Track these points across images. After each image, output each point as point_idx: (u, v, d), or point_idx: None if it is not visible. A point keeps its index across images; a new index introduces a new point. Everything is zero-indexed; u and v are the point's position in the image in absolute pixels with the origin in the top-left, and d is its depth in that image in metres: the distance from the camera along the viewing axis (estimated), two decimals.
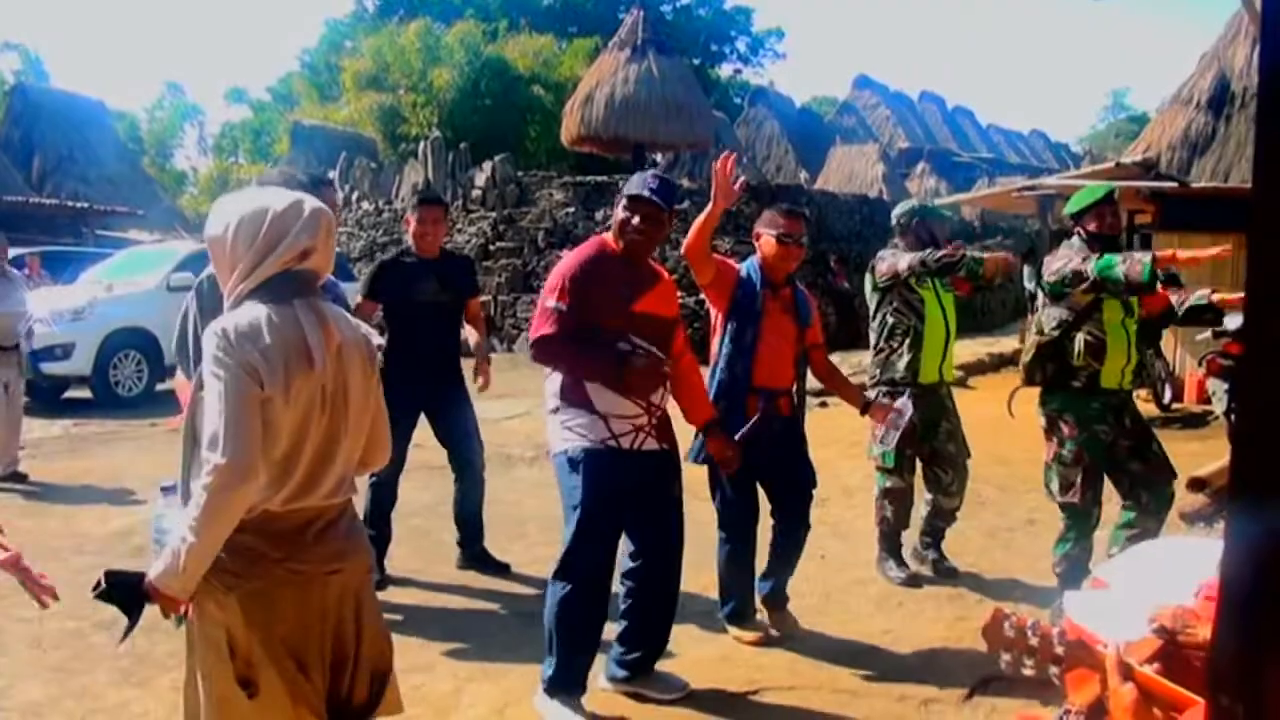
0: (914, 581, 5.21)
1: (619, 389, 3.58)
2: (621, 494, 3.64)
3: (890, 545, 5.31)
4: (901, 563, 5.31)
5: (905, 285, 5.10)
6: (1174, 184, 11.71)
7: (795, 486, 4.48)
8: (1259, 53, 0.97)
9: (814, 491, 4.57)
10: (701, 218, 4.00)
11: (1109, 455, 4.56)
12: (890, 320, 5.16)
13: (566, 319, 3.56)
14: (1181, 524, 5.55)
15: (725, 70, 45.55)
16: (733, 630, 4.47)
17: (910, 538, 5.45)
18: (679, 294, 4.31)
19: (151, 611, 2.19)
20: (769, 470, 4.42)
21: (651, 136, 19.74)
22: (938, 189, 26.82)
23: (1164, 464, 4.60)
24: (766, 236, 4.44)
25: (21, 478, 7.34)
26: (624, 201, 3.70)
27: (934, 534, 5.43)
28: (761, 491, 4.50)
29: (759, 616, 4.54)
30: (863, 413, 4.78)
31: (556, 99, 27.53)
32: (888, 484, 5.23)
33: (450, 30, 31.32)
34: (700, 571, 4.60)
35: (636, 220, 3.66)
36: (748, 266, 4.46)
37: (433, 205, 5.40)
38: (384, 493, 5.15)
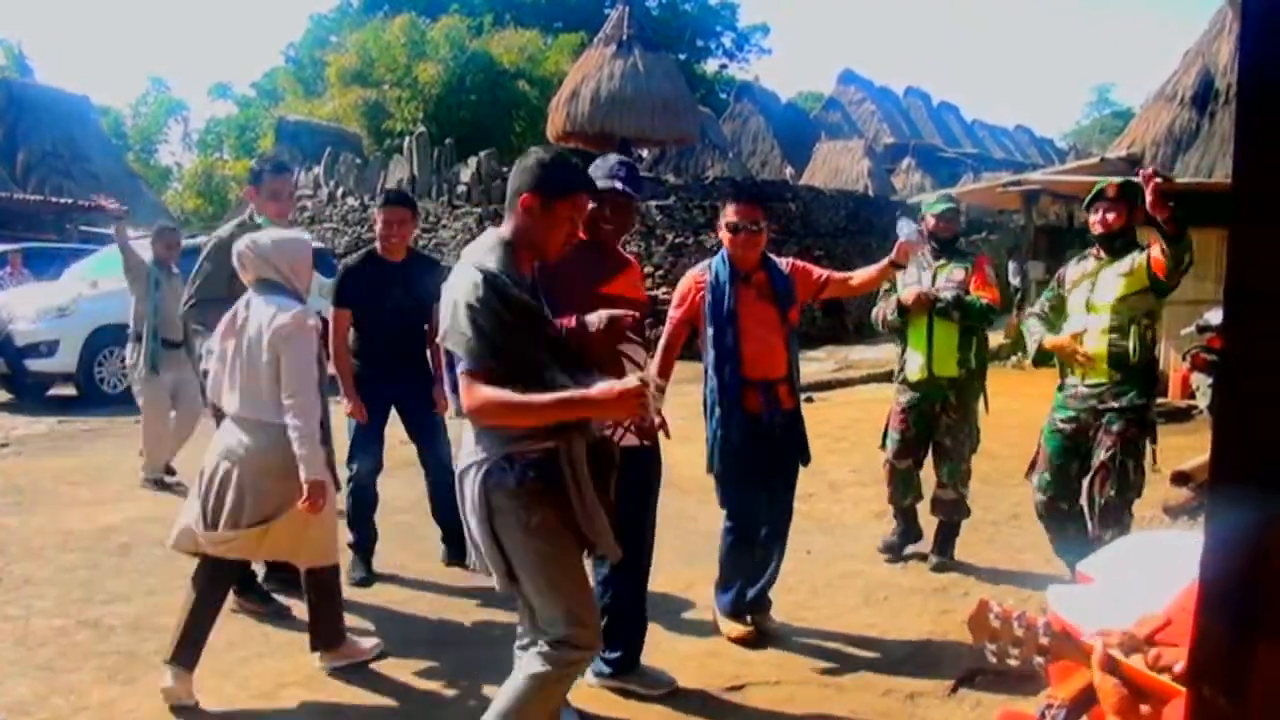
0: (889, 549, 5.52)
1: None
2: None
3: (895, 513, 5.58)
4: (897, 530, 5.55)
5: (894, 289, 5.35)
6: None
7: (782, 488, 4.43)
8: (1239, 44, 0.97)
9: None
10: None
11: (1076, 449, 4.54)
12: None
13: None
14: (1166, 518, 5.58)
15: (711, 66, 45.60)
16: (723, 622, 4.42)
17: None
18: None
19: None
20: (770, 466, 4.36)
21: (637, 132, 19.71)
22: (923, 184, 26.86)
23: (1103, 472, 4.41)
24: (724, 230, 4.39)
25: (170, 472, 7.13)
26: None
27: (938, 529, 5.48)
28: None
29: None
30: (893, 266, 4.47)
31: (542, 94, 27.46)
32: (881, 461, 5.56)
33: (435, 25, 31.20)
34: (689, 567, 4.61)
35: (607, 211, 3.68)
36: (717, 261, 4.43)
37: (397, 205, 5.19)
38: (363, 494, 5.17)
